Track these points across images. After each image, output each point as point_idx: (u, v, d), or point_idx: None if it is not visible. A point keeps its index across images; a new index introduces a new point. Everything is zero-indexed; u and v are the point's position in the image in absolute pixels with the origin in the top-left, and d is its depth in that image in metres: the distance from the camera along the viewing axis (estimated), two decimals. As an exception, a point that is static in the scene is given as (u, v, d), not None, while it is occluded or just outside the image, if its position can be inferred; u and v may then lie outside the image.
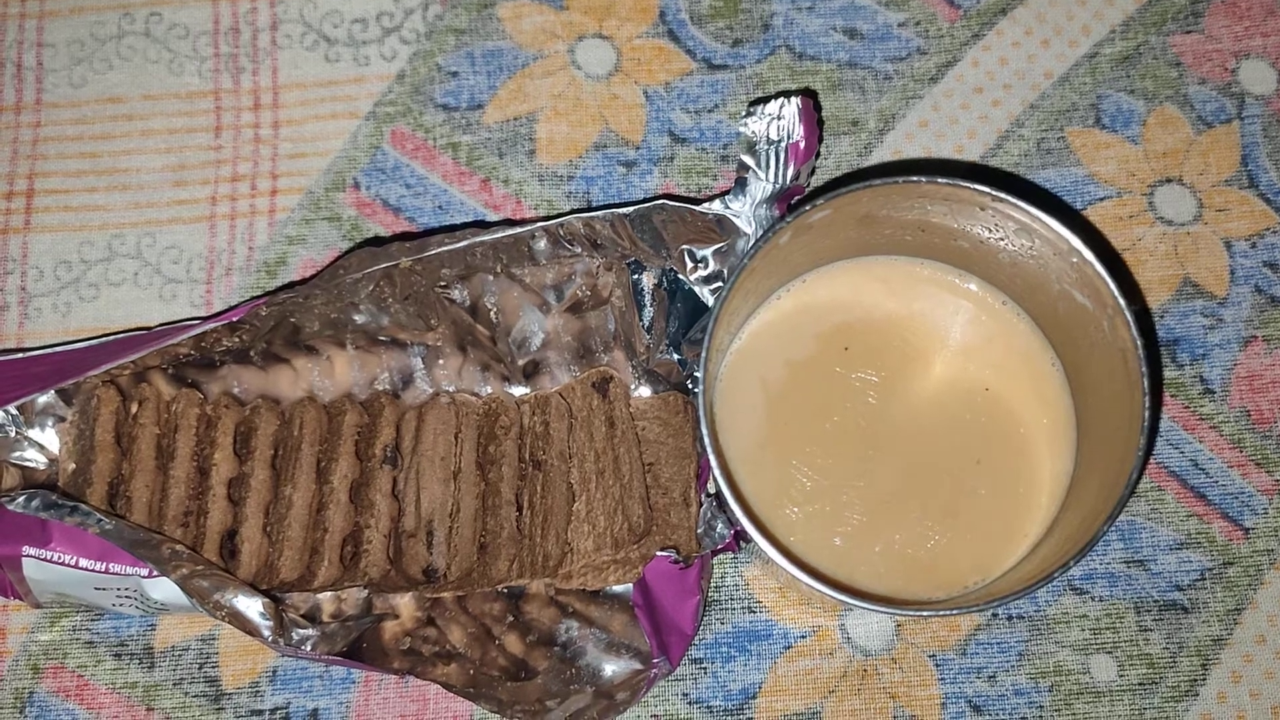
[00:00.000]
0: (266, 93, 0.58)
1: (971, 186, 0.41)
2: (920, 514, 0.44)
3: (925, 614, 0.38)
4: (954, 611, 0.39)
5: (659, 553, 0.46)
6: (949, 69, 0.57)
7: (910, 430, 0.45)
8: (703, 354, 0.40)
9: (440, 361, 0.52)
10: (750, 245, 0.40)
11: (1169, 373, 0.53)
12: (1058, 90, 0.57)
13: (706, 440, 0.39)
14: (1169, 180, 0.55)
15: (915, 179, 0.41)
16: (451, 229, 0.52)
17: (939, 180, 0.41)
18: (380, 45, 0.58)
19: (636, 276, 0.51)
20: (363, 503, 0.48)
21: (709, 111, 0.57)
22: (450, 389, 0.52)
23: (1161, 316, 0.54)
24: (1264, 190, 0.55)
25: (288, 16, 0.59)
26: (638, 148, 0.56)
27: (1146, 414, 0.39)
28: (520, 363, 0.52)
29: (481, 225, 0.51)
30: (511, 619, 0.50)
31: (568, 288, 0.52)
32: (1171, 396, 0.53)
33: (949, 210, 0.43)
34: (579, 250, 0.51)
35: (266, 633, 0.45)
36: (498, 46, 0.58)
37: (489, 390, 0.52)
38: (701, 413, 0.40)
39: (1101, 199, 0.55)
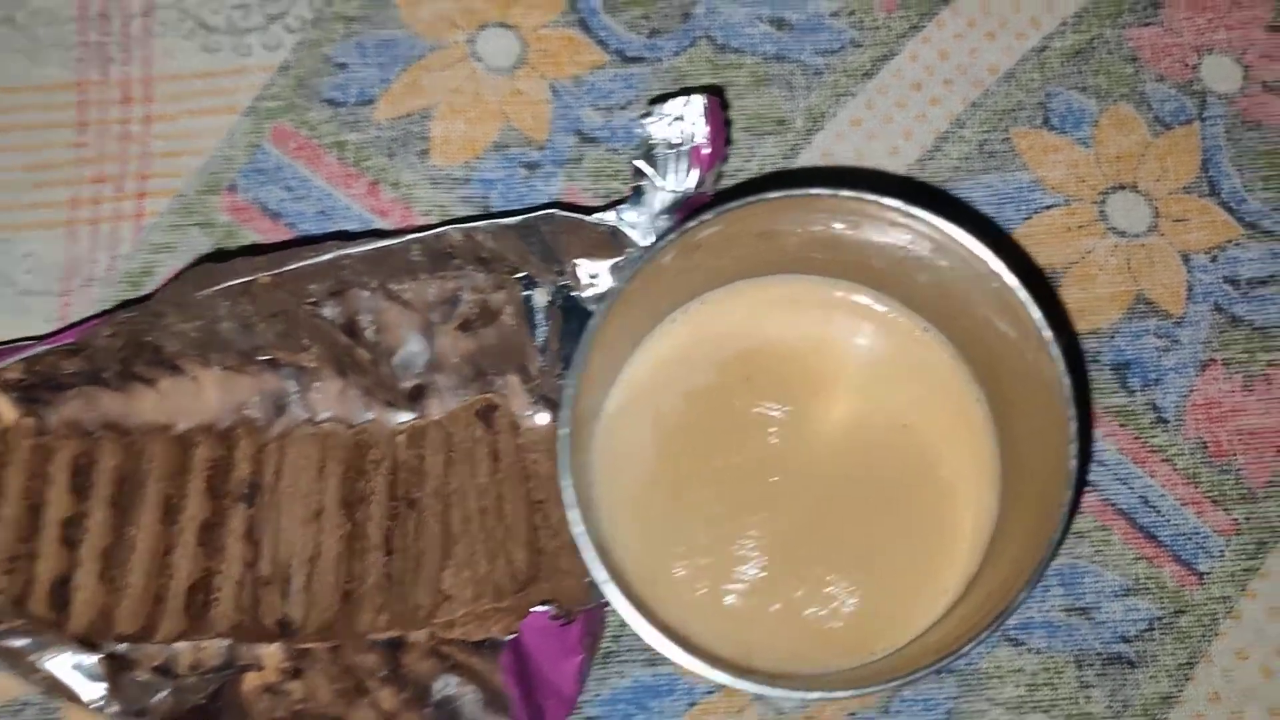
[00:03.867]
0: (137, 85, 0.53)
1: (878, 200, 0.36)
2: (825, 568, 0.40)
3: (813, 697, 0.33)
4: (849, 693, 0.34)
5: (536, 608, 0.41)
6: (885, 63, 0.53)
7: (817, 471, 0.40)
8: (566, 392, 0.35)
9: (316, 385, 0.48)
10: (628, 267, 0.36)
11: (1118, 399, 0.49)
12: (1003, 87, 0.52)
13: (567, 490, 0.34)
14: (1122, 187, 0.51)
15: (816, 191, 0.36)
16: (313, 240, 0.47)
17: (842, 193, 0.36)
18: (263, 33, 0.53)
19: (528, 293, 0.47)
20: (214, 546, 0.43)
21: (621, 109, 0.52)
22: (329, 415, 0.48)
23: (1112, 337, 0.49)
24: (1226, 199, 0.51)
25: (163, 1, 0.54)
26: (542, 148, 0.52)
27: (1073, 464, 0.35)
28: (405, 387, 0.48)
29: (345, 237, 0.46)
30: (387, 672, 0.45)
31: (455, 305, 0.47)
32: (1120, 426, 0.48)
33: (858, 226, 0.38)
34: (459, 263, 0.46)
35: (94, 695, 0.40)
36: (392, 36, 0.53)
37: (372, 416, 0.48)
38: (562, 457, 0.35)
39: (1048, 207, 0.51)
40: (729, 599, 0.39)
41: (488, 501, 0.45)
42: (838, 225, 0.38)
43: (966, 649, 0.35)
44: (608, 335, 0.37)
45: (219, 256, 0.49)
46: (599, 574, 0.34)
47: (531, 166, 0.51)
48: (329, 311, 0.46)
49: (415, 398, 0.48)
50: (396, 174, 0.51)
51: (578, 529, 0.34)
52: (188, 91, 0.53)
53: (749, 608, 0.39)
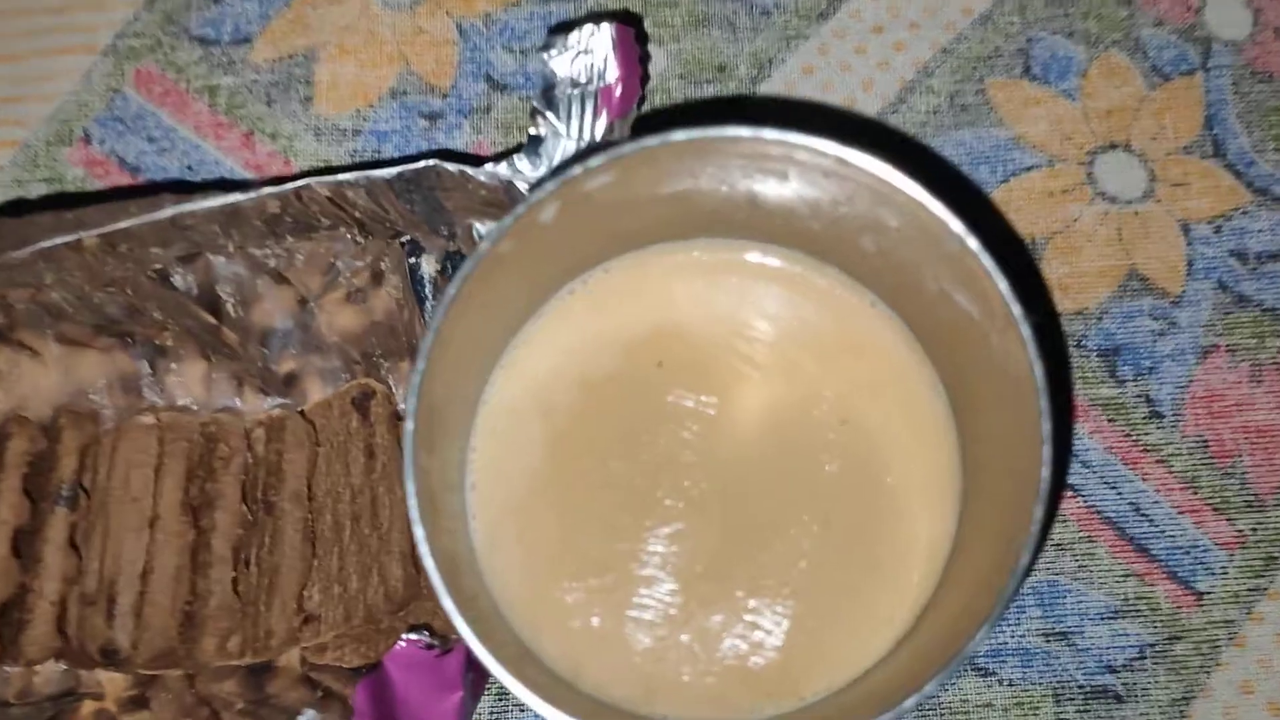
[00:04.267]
0: (-20, 20, 0.46)
1: (807, 144, 0.29)
2: (748, 592, 0.33)
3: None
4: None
5: (406, 636, 0.35)
6: (842, 3, 0.46)
7: (739, 476, 0.34)
8: (413, 378, 0.28)
9: (174, 366, 0.41)
10: (498, 224, 0.29)
11: (1106, 390, 0.43)
12: (978, 31, 0.46)
13: (410, 498, 0.28)
14: (1114, 146, 0.45)
15: (730, 132, 0.29)
16: (143, 191, 0.41)
17: (764, 134, 0.29)
18: (128, -38, 0.47)
19: (414, 260, 0.40)
20: (29, 557, 0.37)
21: (538, 51, 0.45)
22: (189, 403, 0.41)
23: (1099, 319, 0.43)
24: (1232, 160, 0.45)
25: (14, -76, 0.47)
26: (445, 96, 0.45)
27: (1045, 472, 0.28)
28: (279, 371, 0.41)
29: (184, 188, 0.39)
30: (245, 703, 0.39)
31: (333, 275, 0.41)
32: (1109, 421, 0.43)
33: (786, 177, 0.31)
34: (331, 225, 0.39)
35: None
36: (275, -35, 0.46)
37: (239, 405, 0.41)
38: (407, 459, 0.28)
39: (1029, 168, 0.45)
40: (629, 628, 0.33)
41: (361, 506, 0.38)
42: (762, 177, 0.32)
43: (912, 701, 0.28)
44: (474, 307, 0.30)
45: (14, 209, 0.42)
46: (445, 600, 0.27)
47: (433, 117, 0.45)
48: (181, 281, 0.40)
49: (291, 383, 0.41)
50: (275, 124, 0.45)
51: (423, 548, 0.28)
52: (37, 28, 0.46)
53: (653, 639, 0.33)
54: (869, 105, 0.45)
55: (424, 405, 0.28)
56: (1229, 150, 0.45)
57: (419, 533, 0.28)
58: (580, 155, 0.34)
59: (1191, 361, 0.43)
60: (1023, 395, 0.29)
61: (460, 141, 0.45)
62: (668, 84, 0.45)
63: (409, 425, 0.28)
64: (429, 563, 0.27)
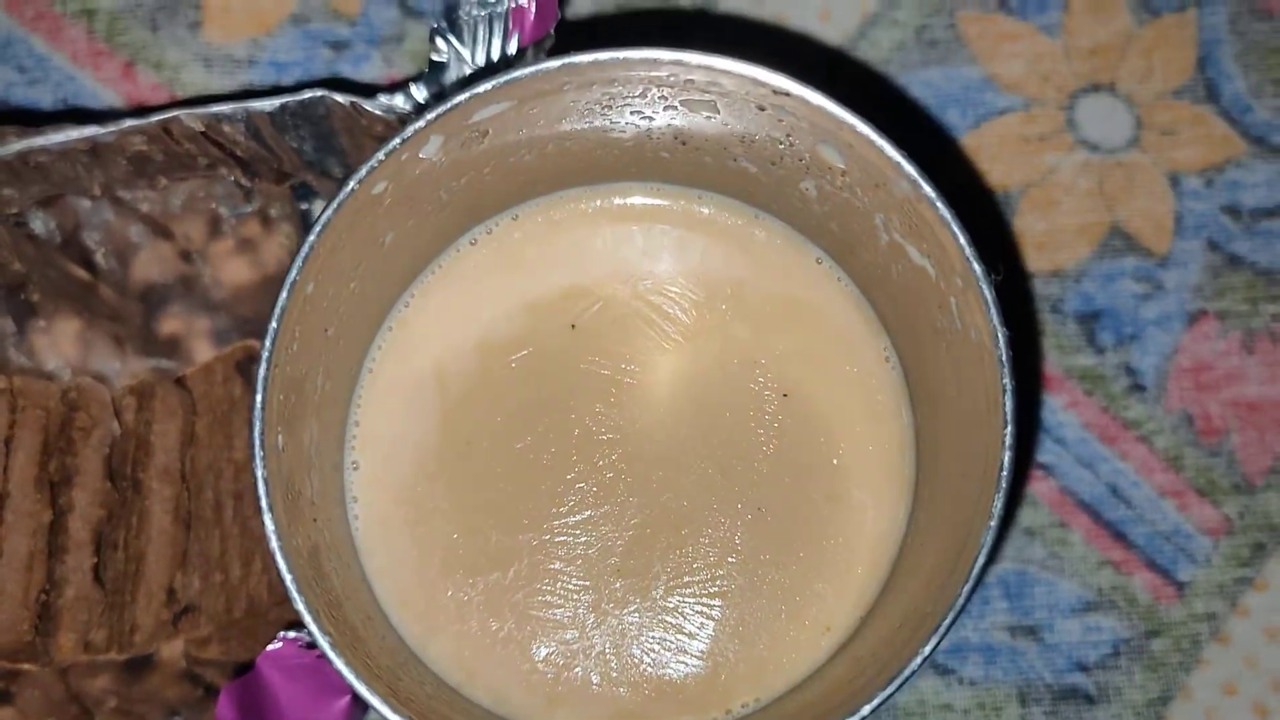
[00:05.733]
0: None
1: (736, 71, 0.25)
2: (668, 590, 0.31)
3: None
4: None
5: (283, 635, 0.31)
6: (798, -77, 0.44)
7: (662, 458, 0.31)
8: (266, 340, 0.24)
9: (42, 324, 0.38)
10: (366, 161, 0.25)
11: (1084, 360, 0.41)
12: (950, -42, 0.44)
13: (260, 484, 0.24)
14: (1097, 88, 0.43)
15: (645, 53, 0.25)
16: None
17: (686, 58, 0.26)
18: None
19: (306, 206, 0.37)
20: None
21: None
22: (59, 366, 0.38)
23: (1078, 280, 0.42)
24: (1226, 106, 0.43)
25: None
26: (354, 23, 0.42)
27: (1008, 455, 0.25)
28: (162, 332, 0.38)
29: (28, 120, 0.35)
30: (120, 700, 0.36)
31: (214, 222, 0.38)
32: (1086, 394, 0.41)
33: (716, 109, 0.28)
34: (209, 164, 0.35)
35: None
36: (162, -127, 0.43)
37: (119, 369, 0.38)
38: (254, 437, 0.24)
39: (1002, 112, 0.42)
40: (532, 630, 0.30)
41: (245, 483, 0.36)
42: (689, 111, 0.28)
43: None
44: (345, 259, 0.26)
45: None
46: (298, 602, 0.24)
47: (339, 46, 0.42)
48: (41, 227, 0.37)
49: (174, 346, 0.39)
50: (160, 52, 0.42)
51: (272, 542, 0.24)
52: (-104, -58, 0.42)
53: (559, 644, 0.30)
54: (827, 38, 0.43)
55: (278, 375, 0.25)
56: (1223, 95, 0.43)
57: (268, 524, 0.24)
58: (468, 81, 0.30)
59: (1178, 328, 0.42)
60: (984, 367, 0.26)
61: (369, 75, 0.42)
62: (603, 2, 0.41)
63: (257, 398, 0.24)
64: (280, 560, 0.24)
